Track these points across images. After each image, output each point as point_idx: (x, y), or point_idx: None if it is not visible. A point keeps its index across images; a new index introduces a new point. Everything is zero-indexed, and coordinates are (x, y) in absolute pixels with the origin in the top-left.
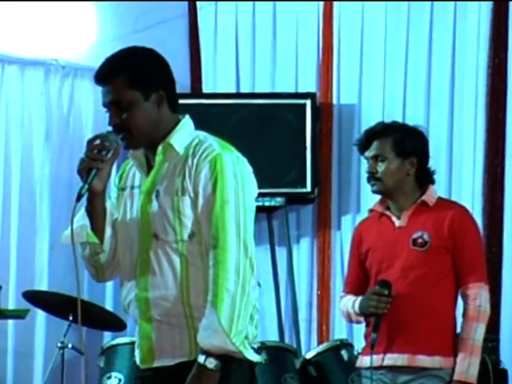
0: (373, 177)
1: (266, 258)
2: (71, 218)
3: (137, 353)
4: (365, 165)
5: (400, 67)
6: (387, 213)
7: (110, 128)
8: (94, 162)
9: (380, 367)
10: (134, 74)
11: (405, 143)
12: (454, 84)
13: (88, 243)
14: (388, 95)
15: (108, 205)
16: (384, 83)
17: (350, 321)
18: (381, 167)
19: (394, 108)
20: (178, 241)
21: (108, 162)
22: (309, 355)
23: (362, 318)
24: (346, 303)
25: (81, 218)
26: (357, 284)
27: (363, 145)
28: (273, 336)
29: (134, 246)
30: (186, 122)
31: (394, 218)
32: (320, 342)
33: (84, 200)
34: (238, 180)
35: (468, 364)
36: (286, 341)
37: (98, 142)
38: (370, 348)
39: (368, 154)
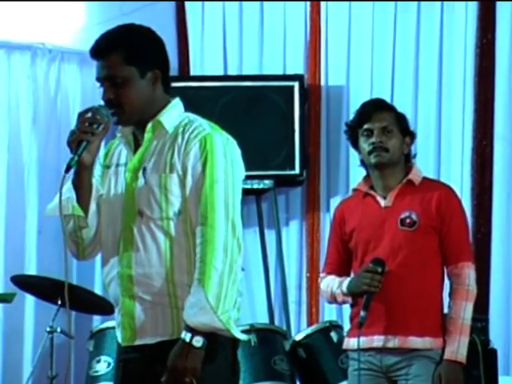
0: (381, 147)
1: (254, 241)
2: (60, 188)
3: (118, 332)
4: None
5: (388, 48)
6: (372, 192)
7: (101, 102)
8: (84, 134)
9: (368, 349)
10: (131, 51)
11: (405, 121)
12: (442, 65)
13: (73, 216)
14: (376, 76)
15: (93, 181)
16: (372, 64)
17: (333, 301)
18: (389, 139)
19: (383, 89)
20: (163, 218)
21: (98, 135)
22: (298, 337)
23: (348, 299)
24: (329, 283)
25: (67, 191)
26: (338, 264)
27: (365, 116)
28: (262, 318)
29: (117, 223)
30: (176, 102)
31: (379, 198)
32: (309, 324)
33: (71, 173)
34: (228, 160)
35: (458, 343)
36: (276, 323)
37: (89, 114)
38: (358, 327)
39: (376, 124)
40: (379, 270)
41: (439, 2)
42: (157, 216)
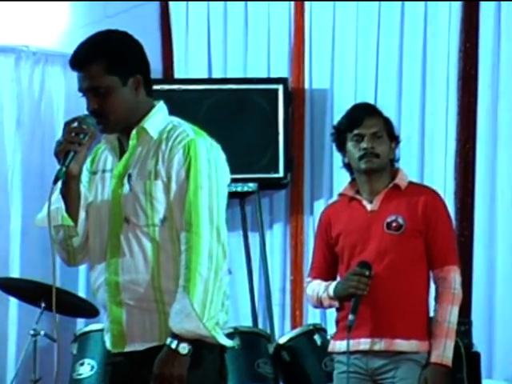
0: (372, 153)
1: (238, 244)
2: (48, 199)
3: (107, 337)
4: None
5: (372, 51)
6: (358, 197)
7: (84, 112)
8: (71, 144)
9: (354, 351)
10: (111, 60)
11: (391, 127)
12: (426, 68)
13: (62, 226)
14: (360, 80)
15: (82, 188)
16: (356, 68)
17: (319, 306)
18: (379, 144)
19: (366, 92)
20: (149, 225)
21: (85, 145)
22: (282, 340)
23: (335, 303)
24: (315, 288)
25: (55, 201)
26: (324, 269)
27: (356, 121)
28: (246, 321)
29: (104, 230)
30: (161, 107)
31: (365, 202)
32: (293, 327)
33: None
34: (212, 166)
35: (444, 347)
36: (260, 326)
37: (75, 124)
38: (347, 330)
39: (367, 130)
40: (366, 272)
41: (423, 6)
42: (143, 223)
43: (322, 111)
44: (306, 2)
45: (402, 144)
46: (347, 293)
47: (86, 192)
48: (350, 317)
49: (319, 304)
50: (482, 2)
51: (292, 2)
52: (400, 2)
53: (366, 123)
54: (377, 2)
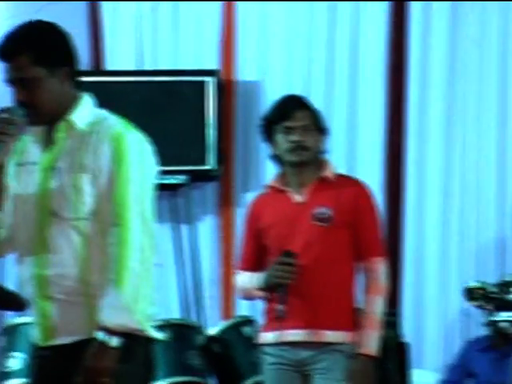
0: (301, 146)
1: (169, 236)
2: None
3: (34, 331)
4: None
5: (302, 44)
6: (286, 188)
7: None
8: (1, 135)
9: (281, 343)
10: (39, 51)
11: (321, 119)
12: (354, 60)
13: None
14: (290, 72)
15: (8, 180)
16: (286, 60)
17: (248, 297)
18: (309, 137)
19: (296, 84)
20: (77, 218)
21: (14, 136)
22: (212, 332)
23: (262, 294)
24: (243, 279)
25: None
26: (253, 260)
27: (286, 113)
28: (177, 313)
29: (31, 223)
30: (87, 99)
31: (293, 194)
32: (224, 319)
33: None
34: (140, 159)
35: (370, 337)
36: (190, 318)
37: (5, 115)
38: (277, 320)
39: (298, 123)
40: (290, 261)
41: None
42: (70, 216)
43: (253, 103)
44: None
45: (331, 136)
46: (273, 283)
47: (12, 184)
48: (279, 307)
49: (248, 296)
50: None
51: None
52: None
53: (296, 116)
54: None
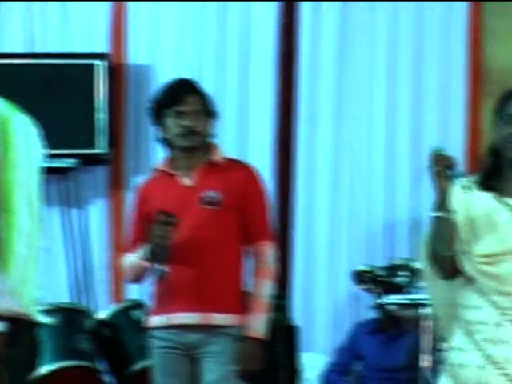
0: (193, 131)
1: (58, 220)
2: None
3: None
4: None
5: (192, 28)
6: (174, 172)
7: None
8: None
9: (170, 326)
10: None
11: (211, 104)
12: (246, 44)
13: None
14: (181, 56)
15: None
16: (177, 43)
17: (135, 278)
18: (200, 122)
19: (187, 68)
20: None
21: None
22: (102, 316)
23: (148, 265)
24: (130, 259)
25: None
26: (141, 244)
27: (177, 98)
28: (67, 298)
29: None
30: None
31: (182, 178)
32: (114, 303)
33: None
34: (26, 142)
35: (259, 321)
36: (80, 302)
37: None
38: (160, 281)
39: (189, 107)
40: (168, 220)
41: None
42: None
43: (144, 87)
44: None
45: (222, 120)
46: (155, 242)
47: None
48: (162, 267)
49: (135, 275)
50: None
51: None
52: None
53: (187, 100)
54: None
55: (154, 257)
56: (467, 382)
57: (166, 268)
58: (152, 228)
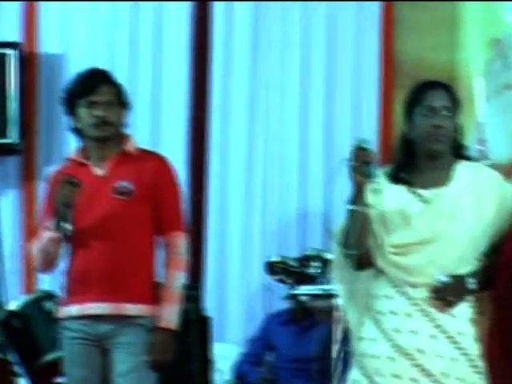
0: (105, 122)
1: None
2: None
3: None
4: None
5: (105, 17)
6: (87, 162)
7: None
8: None
9: (81, 317)
10: None
11: (125, 94)
12: (159, 35)
13: None
14: (93, 45)
15: None
16: (89, 33)
17: (44, 263)
18: (113, 113)
19: (100, 58)
20: None
21: None
22: (12, 307)
23: (56, 236)
24: (38, 242)
25: None
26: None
27: (90, 88)
28: None
29: None
30: None
31: (94, 167)
32: (25, 294)
33: None
34: None
35: (170, 311)
36: None
37: None
38: (65, 239)
39: (101, 98)
40: (72, 181)
41: None
42: None
43: (56, 76)
44: None
45: (135, 111)
46: (61, 201)
47: None
48: (65, 225)
49: (44, 254)
50: None
51: None
52: None
53: (100, 91)
54: None
55: (58, 216)
56: (377, 372)
57: (70, 226)
58: (57, 191)
